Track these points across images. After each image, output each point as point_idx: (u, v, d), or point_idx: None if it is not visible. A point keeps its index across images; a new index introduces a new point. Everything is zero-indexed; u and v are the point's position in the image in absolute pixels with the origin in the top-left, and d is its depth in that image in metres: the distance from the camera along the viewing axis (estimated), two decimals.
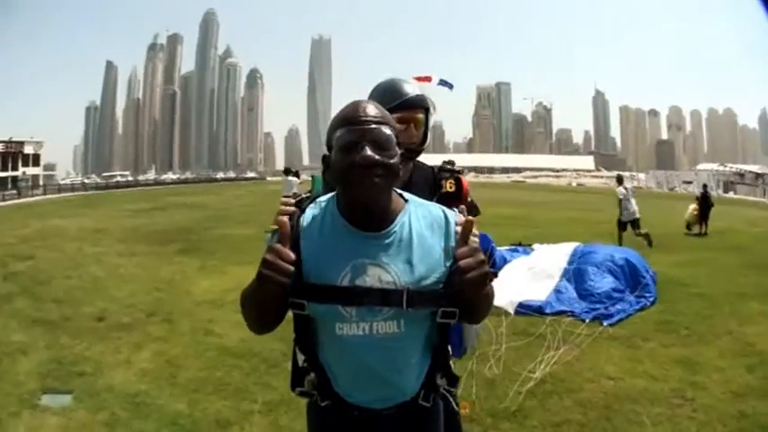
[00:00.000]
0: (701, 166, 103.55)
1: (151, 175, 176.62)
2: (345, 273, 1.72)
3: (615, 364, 6.44)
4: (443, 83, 4.63)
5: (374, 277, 1.72)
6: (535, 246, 12.26)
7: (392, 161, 1.69)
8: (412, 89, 2.75)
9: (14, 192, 58.18)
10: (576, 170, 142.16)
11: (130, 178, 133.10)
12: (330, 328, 1.77)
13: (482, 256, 1.66)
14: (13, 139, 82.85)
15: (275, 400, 5.53)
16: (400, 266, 1.74)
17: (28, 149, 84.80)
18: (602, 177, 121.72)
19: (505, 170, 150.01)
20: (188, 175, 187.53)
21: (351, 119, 1.71)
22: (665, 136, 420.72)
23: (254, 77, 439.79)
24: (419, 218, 1.82)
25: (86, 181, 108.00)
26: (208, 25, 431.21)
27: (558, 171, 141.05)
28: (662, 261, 12.44)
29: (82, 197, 54.66)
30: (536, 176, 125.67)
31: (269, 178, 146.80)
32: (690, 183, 72.57)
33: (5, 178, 75.23)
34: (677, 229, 20.15)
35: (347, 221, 1.77)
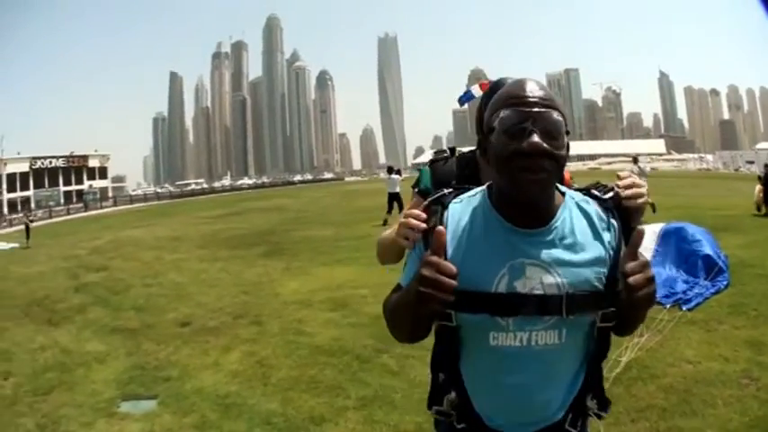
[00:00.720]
0: (759, 146, 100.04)
1: (226, 182, 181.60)
2: (502, 275, 1.59)
3: (693, 348, 6.60)
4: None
5: (535, 279, 1.58)
6: None
7: (561, 152, 1.55)
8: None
9: (80, 205, 60.50)
10: (648, 154, 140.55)
11: (205, 186, 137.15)
12: (482, 339, 1.63)
13: (651, 272, 1.49)
14: (75, 154, 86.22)
15: (369, 395, 5.56)
16: (563, 266, 1.60)
17: (93, 163, 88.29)
18: (674, 160, 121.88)
19: (581, 158, 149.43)
20: (264, 179, 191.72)
21: (518, 98, 1.56)
22: (726, 116, 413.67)
23: (323, 79, 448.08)
24: (579, 212, 1.70)
25: (159, 190, 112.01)
26: (271, 30, 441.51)
27: (632, 156, 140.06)
28: (731, 243, 12.48)
29: (155, 207, 57.04)
30: (610, 162, 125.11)
31: (347, 178, 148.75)
32: (752, 162, 70.71)
33: (70, 192, 78.48)
34: (744, 210, 19.60)
35: (502, 216, 1.64)
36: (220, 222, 28.32)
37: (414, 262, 1.72)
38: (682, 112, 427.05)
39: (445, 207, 1.71)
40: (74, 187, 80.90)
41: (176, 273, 13.88)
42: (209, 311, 9.65)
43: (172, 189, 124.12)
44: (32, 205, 66.28)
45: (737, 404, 5.05)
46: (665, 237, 9.99)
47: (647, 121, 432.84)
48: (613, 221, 1.69)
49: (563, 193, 1.71)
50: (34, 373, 7.02)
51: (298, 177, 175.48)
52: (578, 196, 1.73)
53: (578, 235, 1.64)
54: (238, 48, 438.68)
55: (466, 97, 4.28)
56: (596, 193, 1.76)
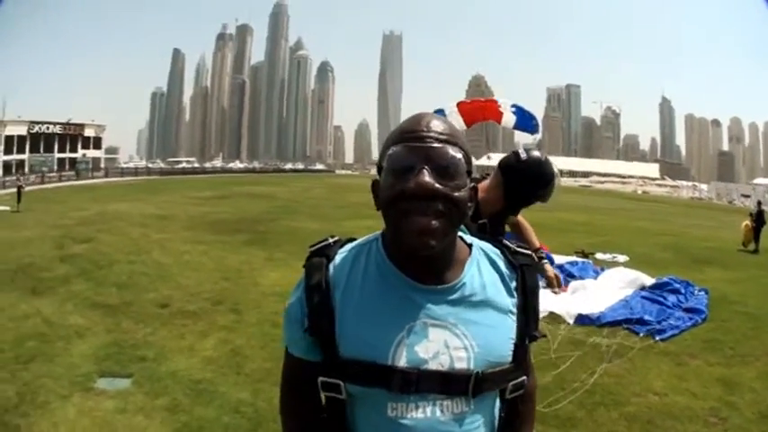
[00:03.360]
0: (757, 180, 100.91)
1: (218, 163, 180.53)
2: (401, 338, 1.36)
3: (663, 379, 6.66)
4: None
5: (439, 342, 1.36)
6: (598, 255, 14.53)
7: (458, 194, 1.32)
8: None
9: (72, 173, 60.09)
10: (641, 177, 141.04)
11: (196, 165, 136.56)
12: (378, 410, 1.38)
13: None
14: (72, 122, 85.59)
15: None
16: (471, 328, 1.39)
17: (89, 132, 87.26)
18: (666, 186, 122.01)
19: (573, 174, 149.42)
20: (255, 164, 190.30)
21: (409, 134, 1.36)
22: (726, 147, 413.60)
23: (324, 70, 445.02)
24: (489, 266, 1.50)
25: (150, 166, 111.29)
26: (278, 17, 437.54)
27: (624, 177, 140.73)
28: (715, 277, 12.71)
29: (145, 182, 56.66)
30: (602, 182, 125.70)
31: (338, 171, 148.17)
32: (748, 197, 71.43)
33: (64, 159, 78.00)
34: (732, 244, 19.99)
35: (400, 270, 1.41)
36: (208, 205, 28.42)
37: (291, 318, 1.47)
38: (680, 139, 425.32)
39: (330, 259, 1.47)
40: (68, 155, 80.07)
41: (160, 252, 14.00)
42: (188, 295, 9.80)
43: (163, 165, 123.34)
44: (26, 169, 65.90)
45: None
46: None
47: (644, 144, 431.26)
48: (517, 282, 1.50)
49: (469, 245, 1.52)
50: (16, 340, 7.15)
51: (289, 165, 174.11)
52: (487, 247, 1.55)
53: (489, 292, 1.44)
54: (243, 31, 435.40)
55: (439, 113, 4.31)
56: (510, 245, 1.57)
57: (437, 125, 1.36)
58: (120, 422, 5.15)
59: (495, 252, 1.53)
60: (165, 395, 5.74)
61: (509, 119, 9.78)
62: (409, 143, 1.33)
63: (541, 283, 3.58)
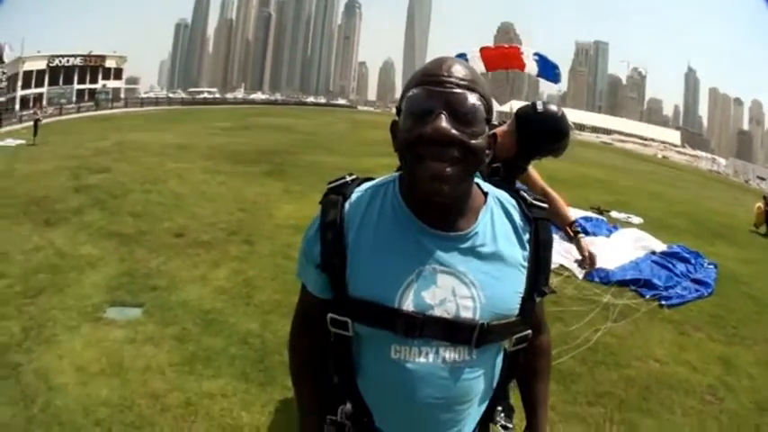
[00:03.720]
0: None
1: (240, 94, 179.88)
2: (409, 282, 1.38)
3: (665, 347, 6.60)
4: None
5: (447, 289, 1.38)
6: (613, 213, 14.59)
7: (474, 142, 1.31)
8: None
9: (91, 104, 60.01)
10: (663, 142, 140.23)
11: (218, 96, 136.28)
12: (382, 351, 1.41)
13: None
14: (94, 53, 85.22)
15: None
16: (480, 278, 1.40)
17: (110, 63, 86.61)
18: (686, 155, 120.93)
19: (596, 129, 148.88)
20: (277, 96, 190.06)
21: (429, 77, 1.34)
22: (746, 127, 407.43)
23: (352, 6, 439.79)
24: (503, 216, 1.50)
25: (171, 96, 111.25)
26: None
27: (645, 140, 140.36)
28: (725, 253, 12.46)
29: (165, 112, 56.44)
30: (624, 141, 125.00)
31: (360, 107, 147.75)
32: (763, 179, 70.34)
33: (83, 91, 77.94)
34: (745, 224, 19.53)
35: (414, 213, 1.42)
36: (227, 135, 28.35)
37: (306, 254, 1.52)
38: (702, 111, 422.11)
39: (346, 198, 1.48)
40: (87, 86, 79.86)
41: (177, 182, 13.98)
42: (203, 225, 9.78)
43: (184, 95, 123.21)
44: (44, 102, 65.88)
45: (696, 418, 5.05)
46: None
47: (668, 110, 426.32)
48: (531, 234, 1.50)
49: (485, 193, 1.51)
50: (25, 274, 7.08)
51: (311, 99, 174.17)
52: (503, 196, 1.54)
53: (500, 243, 1.45)
54: None
55: (461, 58, 4.21)
56: (526, 196, 1.55)
57: (459, 70, 1.34)
58: (127, 351, 5.13)
59: (510, 202, 1.53)
60: (175, 324, 5.74)
61: (531, 66, 9.69)
62: (429, 86, 1.32)
63: (573, 256, 3.63)
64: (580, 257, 3.43)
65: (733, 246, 14.03)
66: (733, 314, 8.20)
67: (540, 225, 1.50)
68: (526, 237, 1.49)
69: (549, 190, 3.46)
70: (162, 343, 5.32)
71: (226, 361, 5.06)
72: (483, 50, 9.82)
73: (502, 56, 9.93)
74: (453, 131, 1.27)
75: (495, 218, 1.47)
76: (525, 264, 1.47)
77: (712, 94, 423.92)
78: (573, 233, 3.41)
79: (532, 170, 3.38)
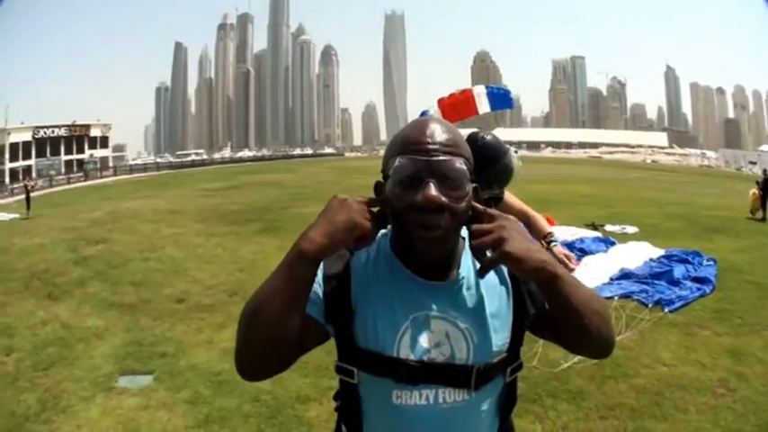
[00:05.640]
0: (763, 147, 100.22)
1: (226, 153, 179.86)
2: (405, 328, 1.45)
3: (671, 350, 6.72)
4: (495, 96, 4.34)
5: (440, 332, 1.45)
6: (608, 227, 14.87)
7: (461, 205, 1.39)
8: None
9: (81, 174, 60.18)
10: (650, 146, 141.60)
11: (205, 157, 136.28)
12: (385, 397, 1.47)
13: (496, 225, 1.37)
14: (78, 123, 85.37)
15: None
16: (470, 320, 1.48)
17: (95, 132, 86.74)
18: (675, 155, 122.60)
19: (582, 145, 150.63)
20: (264, 152, 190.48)
21: (414, 144, 1.40)
22: (731, 114, 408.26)
23: (328, 54, 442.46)
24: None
25: (159, 160, 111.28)
26: (278, 4, 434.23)
27: (633, 147, 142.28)
28: (723, 246, 12.80)
29: (155, 177, 56.60)
30: (612, 152, 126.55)
31: (347, 154, 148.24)
32: (755, 163, 70.94)
33: (71, 161, 78.08)
34: (741, 212, 19.93)
35: (404, 265, 1.50)
36: (218, 196, 28.48)
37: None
38: (686, 107, 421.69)
39: (353, 253, 1.53)
40: (75, 156, 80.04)
41: (174, 247, 14.12)
42: (204, 288, 9.92)
43: (172, 159, 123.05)
44: (34, 174, 66.00)
45: (710, 413, 5.15)
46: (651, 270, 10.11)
47: (651, 113, 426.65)
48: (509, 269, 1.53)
49: (464, 238, 1.57)
50: (35, 348, 7.22)
51: (298, 151, 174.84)
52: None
53: (483, 283, 1.52)
54: (244, 20, 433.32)
55: (425, 114, 4.31)
56: None
57: (440, 134, 1.41)
58: (142, 418, 5.26)
59: None
60: (187, 388, 5.88)
61: (483, 107, 9.73)
62: (416, 156, 1.38)
63: None
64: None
65: (731, 237, 14.40)
66: (738, 305, 8.40)
67: None
68: (505, 271, 1.56)
69: (527, 209, 3.58)
70: (175, 407, 5.45)
71: (240, 420, 5.19)
72: (440, 102, 9.90)
73: (453, 106, 9.97)
74: (443, 198, 1.34)
75: (474, 261, 1.51)
76: (509, 296, 1.55)
77: (693, 89, 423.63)
78: (546, 243, 3.50)
79: (508, 195, 3.47)
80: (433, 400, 1.45)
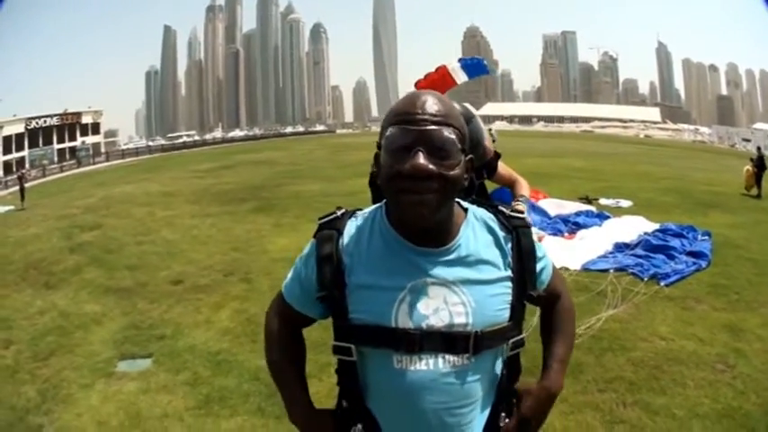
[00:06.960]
0: (757, 125, 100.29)
1: (218, 134, 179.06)
2: (402, 297, 1.47)
3: (668, 324, 6.74)
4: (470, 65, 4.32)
5: (438, 298, 1.47)
6: (602, 200, 14.89)
7: (451, 173, 1.42)
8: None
9: (73, 162, 59.88)
10: (643, 121, 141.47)
11: (197, 138, 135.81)
12: (386, 364, 1.49)
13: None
14: (69, 111, 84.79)
15: None
16: (468, 284, 1.50)
17: (86, 119, 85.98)
18: (668, 130, 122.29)
19: (574, 120, 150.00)
20: (256, 131, 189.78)
21: (405, 115, 1.44)
22: (724, 91, 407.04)
23: (317, 32, 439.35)
24: (484, 229, 1.60)
25: (151, 144, 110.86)
26: None
27: (625, 122, 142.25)
28: (718, 221, 12.81)
29: (147, 161, 56.24)
30: (604, 127, 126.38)
31: (338, 131, 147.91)
32: (748, 141, 71.11)
33: (63, 150, 77.70)
34: (735, 188, 19.97)
35: (401, 235, 1.52)
36: (211, 177, 28.42)
37: (301, 282, 1.64)
38: (679, 83, 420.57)
39: (341, 232, 1.59)
40: (67, 144, 79.50)
41: (168, 230, 14.09)
42: (200, 269, 9.91)
43: (164, 142, 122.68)
44: (27, 165, 65.66)
45: (709, 388, 5.17)
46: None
47: (643, 89, 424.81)
48: (512, 242, 1.59)
49: (466, 209, 1.61)
50: (33, 339, 7.19)
51: (289, 129, 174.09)
52: (482, 212, 1.63)
53: (482, 252, 1.54)
54: (233, 0, 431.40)
55: None
56: (503, 209, 1.65)
57: (431, 105, 1.44)
58: (143, 402, 5.27)
59: (489, 216, 1.63)
60: (186, 370, 5.88)
61: (461, 77, 9.79)
62: (406, 125, 1.43)
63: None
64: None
65: (726, 213, 14.38)
66: (734, 280, 8.39)
67: (521, 233, 1.60)
68: (508, 245, 1.58)
69: (516, 176, 3.58)
70: (176, 389, 5.46)
71: (240, 399, 5.20)
72: (417, 85, 9.96)
73: (433, 84, 10.02)
74: (431, 166, 1.38)
75: (476, 230, 1.57)
76: (510, 271, 1.56)
77: (686, 65, 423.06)
78: (516, 198, 3.47)
79: (501, 165, 3.49)
80: (434, 365, 1.47)
